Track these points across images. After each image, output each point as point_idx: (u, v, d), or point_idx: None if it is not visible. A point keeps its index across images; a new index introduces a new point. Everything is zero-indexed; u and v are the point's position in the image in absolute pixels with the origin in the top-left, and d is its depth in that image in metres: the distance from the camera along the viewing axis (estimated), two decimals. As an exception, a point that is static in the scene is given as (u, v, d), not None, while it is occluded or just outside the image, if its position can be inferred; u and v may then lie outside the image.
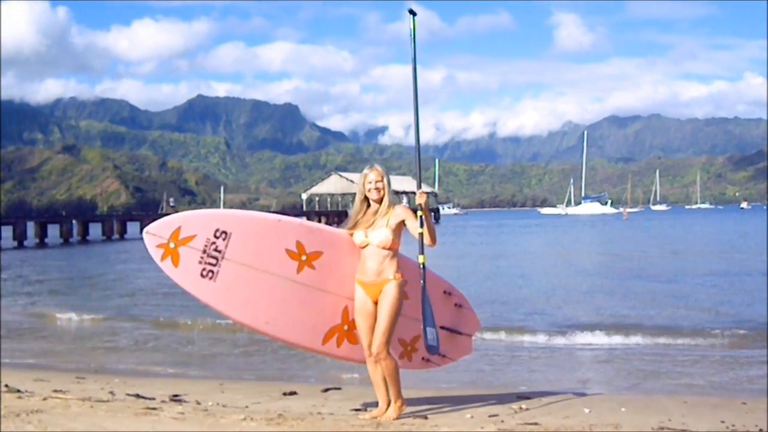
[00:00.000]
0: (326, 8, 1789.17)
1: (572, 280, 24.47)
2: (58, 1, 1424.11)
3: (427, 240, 6.56)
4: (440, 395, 8.18)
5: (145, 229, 6.44)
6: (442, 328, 7.01)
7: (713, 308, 16.85)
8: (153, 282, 23.35)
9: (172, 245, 6.35)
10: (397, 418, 6.56)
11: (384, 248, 6.48)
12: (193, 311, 15.67)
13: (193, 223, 6.45)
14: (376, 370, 6.56)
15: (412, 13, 6.89)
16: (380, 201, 6.64)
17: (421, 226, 6.55)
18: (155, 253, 6.38)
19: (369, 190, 6.64)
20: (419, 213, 6.58)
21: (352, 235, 6.66)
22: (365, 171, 6.72)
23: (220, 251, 6.39)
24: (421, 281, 6.67)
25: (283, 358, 11.51)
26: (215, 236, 6.40)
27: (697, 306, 17.37)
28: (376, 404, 6.79)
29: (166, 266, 6.37)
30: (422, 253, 6.64)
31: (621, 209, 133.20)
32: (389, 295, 6.44)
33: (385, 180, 6.67)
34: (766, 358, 10.88)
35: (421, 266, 6.66)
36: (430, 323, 6.57)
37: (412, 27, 6.87)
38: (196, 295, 6.42)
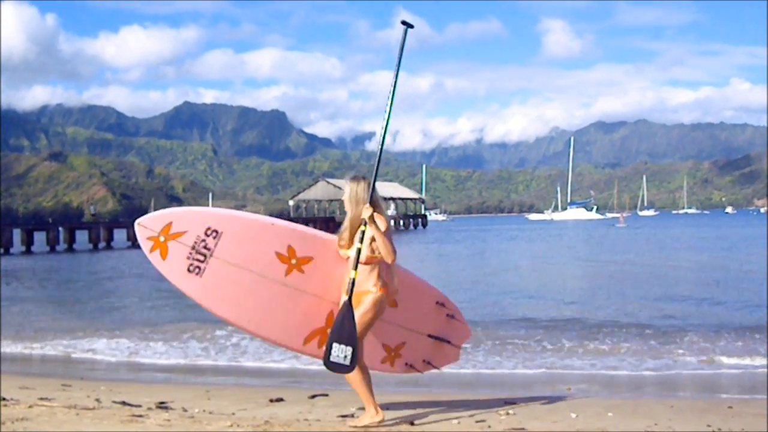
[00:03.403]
0: (315, 15, 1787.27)
1: (569, 285, 24.53)
2: (48, 2, 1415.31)
3: (384, 255, 6.38)
4: (427, 400, 8.19)
5: (137, 221, 6.54)
6: (430, 336, 7.13)
7: (708, 314, 16.93)
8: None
9: (161, 239, 6.47)
10: (379, 423, 6.51)
11: (360, 262, 6.44)
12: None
13: (186, 219, 6.56)
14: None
15: (405, 24, 6.85)
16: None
17: (361, 241, 6.40)
18: (145, 245, 6.48)
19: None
20: (363, 228, 6.44)
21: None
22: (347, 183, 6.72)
23: (209, 249, 6.50)
24: (345, 296, 6.42)
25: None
26: (206, 234, 6.51)
27: (694, 311, 17.43)
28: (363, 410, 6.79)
29: (154, 258, 6.46)
30: (355, 268, 6.40)
31: (619, 215, 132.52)
32: (362, 306, 6.41)
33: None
34: (766, 363, 10.95)
35: (350, 281, 6.40)
36: (336, 338, 6.35)
37: (402, 38, 6.82)
38: (181, 288, 6.50)
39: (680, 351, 12.15)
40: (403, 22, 6.84)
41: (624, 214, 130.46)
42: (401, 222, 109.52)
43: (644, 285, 23.63)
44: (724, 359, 11.39)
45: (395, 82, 6.82)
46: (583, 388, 9.76)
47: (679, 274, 27.71)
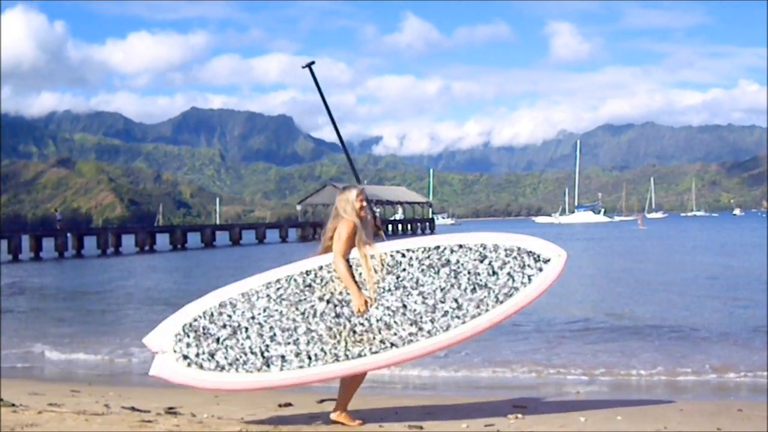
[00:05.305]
0: (323, 20, 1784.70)
1: (583, 288, 24.47)
2: (56, 9, 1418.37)
3: None
4: (436, 403, 8.18)
5: None
6: None
7: (714, 315, 16.88)
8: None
9: None
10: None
11: None
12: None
13: None
14: None
15: (308, 65, 7.49)
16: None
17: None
18: None
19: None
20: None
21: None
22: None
23: None
24: None
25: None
26: None
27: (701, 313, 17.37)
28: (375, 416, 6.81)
29: None
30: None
31: (637, 217, 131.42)
32: None
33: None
34: (765, 365, 10.90)
35: None
36: None
37: (312, 76, 7.53)
38: None
39: (695, 356, 12.05)
40: (305, 65, 7.56)
41: (642, 215, 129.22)
42: (408, 226, 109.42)
43: (663, 290, 23.41)
44: (738, 366, 11.23)
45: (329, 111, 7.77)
46: (592, 391, 9.75)
47: (702, 279, 27.15)
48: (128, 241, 71.61)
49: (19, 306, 23.01)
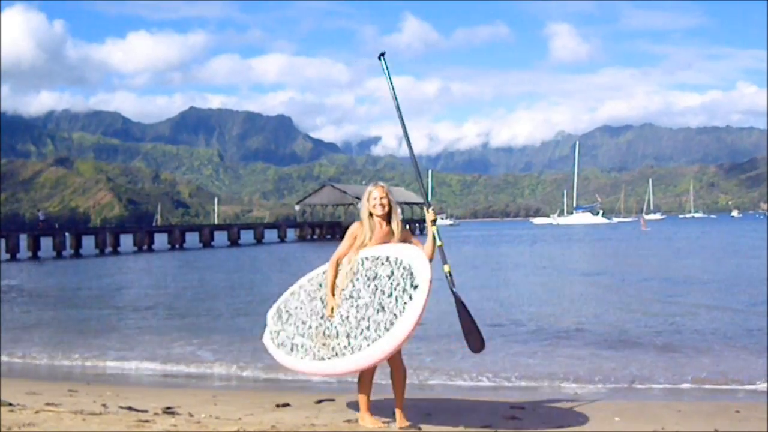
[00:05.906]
0: (323, 21, 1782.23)
1: (583, 295, 24.44)
2: (56, 8, 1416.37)
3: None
4: (434, 403, 8.18)
5: None
6: None
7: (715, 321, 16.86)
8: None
9: None
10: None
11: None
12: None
13: None
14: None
15: (381, 56, 7.34)
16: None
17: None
18: None
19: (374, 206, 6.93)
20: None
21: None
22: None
23: None
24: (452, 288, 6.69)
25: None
26: None
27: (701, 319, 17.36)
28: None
29: None
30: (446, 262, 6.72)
31: (640, 219, 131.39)
32: None
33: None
34: (765, 370, 10.88)
35: (449, 275, 6.70)
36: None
37: (385, 68, 7.34)
38: None
39: (694, 362, 12.00)
40: (380, 56, 7.35)
41: (646, 217, 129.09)
42: (407, 226, 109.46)
43: (661, 293, 23.33)
44: (737, 371, 11.15)
45: (398, 106, 7.61)
46: (590, 393, 9.73)
47: (701, 283, 26.84)
48: (126, 240, 71.53)
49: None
